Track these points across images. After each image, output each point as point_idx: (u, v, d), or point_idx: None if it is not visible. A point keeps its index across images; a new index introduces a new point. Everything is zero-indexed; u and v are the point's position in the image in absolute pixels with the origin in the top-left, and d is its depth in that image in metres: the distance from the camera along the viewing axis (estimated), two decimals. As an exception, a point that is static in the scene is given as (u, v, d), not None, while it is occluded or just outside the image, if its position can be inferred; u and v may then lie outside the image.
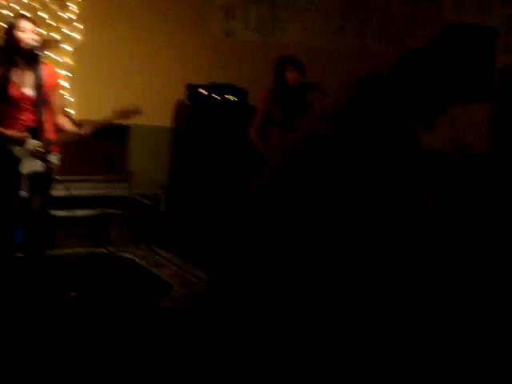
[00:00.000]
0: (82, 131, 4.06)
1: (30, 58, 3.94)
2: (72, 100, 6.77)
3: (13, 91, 3.94)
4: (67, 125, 4.23)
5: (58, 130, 4.20)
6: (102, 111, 4.21)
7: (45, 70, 3.99)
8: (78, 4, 6.84)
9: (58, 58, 6.76)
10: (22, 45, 3.93)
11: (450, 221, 4.66)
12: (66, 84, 6.54)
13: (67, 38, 6.87)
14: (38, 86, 3.87)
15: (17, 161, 3.95)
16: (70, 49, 6.86)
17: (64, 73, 6.49)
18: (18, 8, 6.67)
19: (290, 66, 4.89)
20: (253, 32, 6.36)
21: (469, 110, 4.89)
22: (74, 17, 6.84)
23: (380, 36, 6.52)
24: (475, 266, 4.16)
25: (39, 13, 6.67)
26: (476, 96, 4.71)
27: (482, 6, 6.09)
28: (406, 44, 6.34)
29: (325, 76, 5.34)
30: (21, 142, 3.94)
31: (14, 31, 3.95)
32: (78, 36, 6.87)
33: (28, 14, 5.95)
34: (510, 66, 5.96)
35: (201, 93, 5.97)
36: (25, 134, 3.95)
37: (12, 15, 4.42)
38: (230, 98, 6.00)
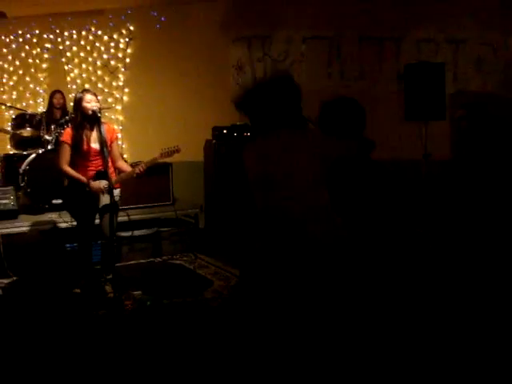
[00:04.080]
0: (137, 170, 4.49)
1: (93, 120, 4.52)
2: (124, 147, 7.66)
3: (84, 147, 4.55)
4: (125, 167, 4.70)
5: (119, 171, 4.71)
6: (149, 153, 4.65)
7: (105, 128, 4.52)
8: (123, 74, 7.83)
9: (112, 117, 7.84)
10: (88, 112, 4.50)
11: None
12: (119, 135, 7.33)
13: (118, 100, 7.87)
14: (102, 141, 4.42)
15: (94, 197, 4.57)
16: (119, 108, 7.86)
17: (116, 127, 7.23)
18: (79, 82, 7.87)
19: None
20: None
21: (431, 127, 5.64)
22: (121, 84, 7.85)
23: (358, 76, 7.29)
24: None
25: (98, 84, 7.86)
26: (433, 115, 5.55)
27: (433, 48, 7.08)
28: (378, 80, 7.26)
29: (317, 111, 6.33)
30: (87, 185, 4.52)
31: (82, 103, 4.54)
32: (125, 98, 7.88)
33: (88, 87, 6.97)
34: (459, 91, 6.94)
35: (224, 133, 6.61)
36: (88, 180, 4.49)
37: (79, 91, 4.88)
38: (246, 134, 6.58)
